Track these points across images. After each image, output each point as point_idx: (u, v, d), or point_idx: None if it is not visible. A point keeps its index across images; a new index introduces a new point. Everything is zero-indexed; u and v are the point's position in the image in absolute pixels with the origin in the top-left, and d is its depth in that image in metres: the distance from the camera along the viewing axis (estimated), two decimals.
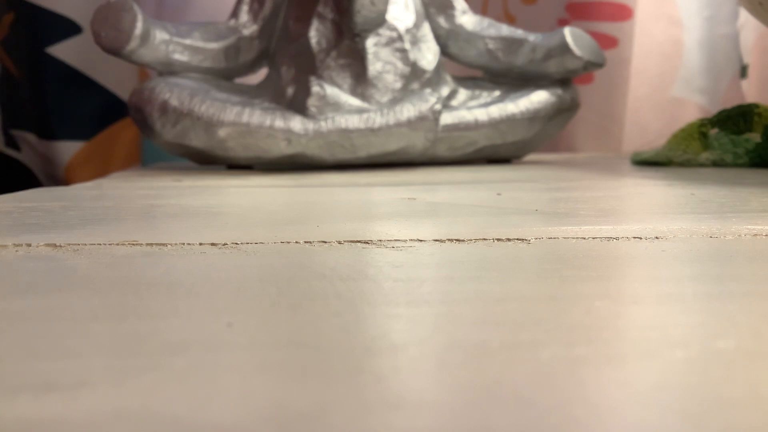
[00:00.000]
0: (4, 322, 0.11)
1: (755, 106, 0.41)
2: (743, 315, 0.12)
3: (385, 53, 0.42)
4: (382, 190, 0.31)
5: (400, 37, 0.43)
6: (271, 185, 0.34)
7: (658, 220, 0.21)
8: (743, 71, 0.63)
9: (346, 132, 0.40)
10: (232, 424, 0.08)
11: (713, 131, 0.42)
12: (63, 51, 0.60)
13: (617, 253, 0.17)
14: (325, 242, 0.18)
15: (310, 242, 0.18)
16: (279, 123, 0.39)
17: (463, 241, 0.18)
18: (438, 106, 0.42)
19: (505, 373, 0.09)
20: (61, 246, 0.17)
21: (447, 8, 0.46)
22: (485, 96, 0.46)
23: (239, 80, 0.45)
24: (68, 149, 0.62)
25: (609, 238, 0.18)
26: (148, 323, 0.11)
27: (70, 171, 0.62)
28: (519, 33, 0.46)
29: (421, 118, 0.41)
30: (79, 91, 0.61)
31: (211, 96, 0.40)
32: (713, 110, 0.60)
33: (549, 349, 0.10)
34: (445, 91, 0.45)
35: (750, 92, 0.63)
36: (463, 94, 0.46)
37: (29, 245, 0.17)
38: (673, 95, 0.63)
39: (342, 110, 0.40)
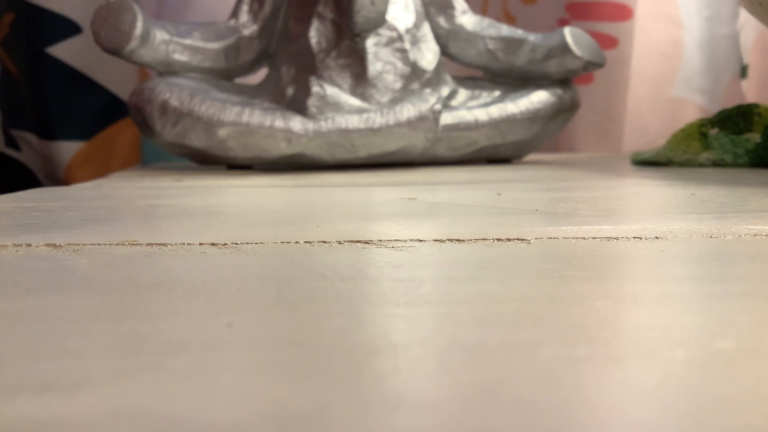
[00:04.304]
0: (4, 322, 0.11)
1: (755, 106, 0.41)
2: (743, 315, 0.12)
3: (385, 53, 0.42)
4: (382, 190, 0.31)
5: (400, 37, 0.43)
6: (271, 185, 0.34)
7: (658, 220, 0.21)
8: (743, 71, 0.63)
9: (346, 132, 0.40)
10: (232, 424, 0.08)
11: (713, 131, 0.42)
12: (63, 51, 0.60)
13: (617, 253, 0.17)
14: (325, 242, 0.18)
15: (310, 242, 0.18)
16: (279, 123, 0.39)
17: (463, 241, 0.18)
18: (438, 106, 0.42)
19: (505, 373, 0.09)
20: (61, 246, 0.17)
21: (447, 8, 0.46)
22: (485, 96, 0.46)
23: (239, 80, 0.45)
24: (68, 149, 0.62)
25: (609, 238, 0.18)
26: (147, 323, 0.11)
27: (70, 171, 0.62)
28: (519, 33, 0.46)
29: (421, 118, 0.41)
30: (79, 91, 0.61)
31: (211, 96, 0.40)
32: (713, 110, 0.60)
33: (549, 349, 0.10)
34: (445, 91, 0.45)
35: (750, 92, 0.63)
36: (463, 94, 0.46)
37: (29, 245, 0.17)
38: (673, 95, 0.63)
39: (342, 110, 0.40)
